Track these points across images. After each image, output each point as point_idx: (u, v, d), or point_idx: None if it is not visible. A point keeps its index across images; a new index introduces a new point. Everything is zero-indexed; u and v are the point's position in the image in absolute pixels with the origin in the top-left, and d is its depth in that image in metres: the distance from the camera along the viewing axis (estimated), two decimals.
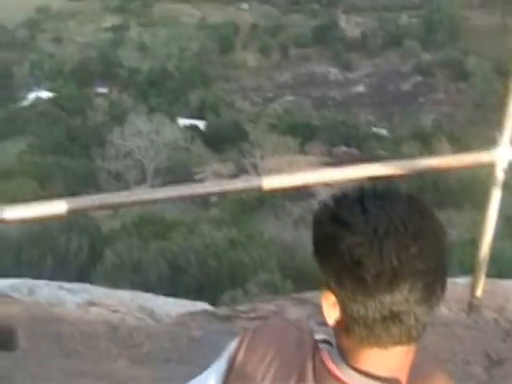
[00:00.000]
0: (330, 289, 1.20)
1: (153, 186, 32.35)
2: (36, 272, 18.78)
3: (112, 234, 21.48)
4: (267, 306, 3.68)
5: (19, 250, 20.29)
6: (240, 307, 3.84)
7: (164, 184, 32.33)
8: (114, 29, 61.47)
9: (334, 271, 1.18)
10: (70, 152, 34.28)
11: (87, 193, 30.42)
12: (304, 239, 19.16)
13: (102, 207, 2.30)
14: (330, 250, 1.18)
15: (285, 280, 17.51)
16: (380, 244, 1.14)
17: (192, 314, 3.70)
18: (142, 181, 33.90)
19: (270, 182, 2.39)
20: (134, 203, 2.36)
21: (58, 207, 2.27)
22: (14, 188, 28.53)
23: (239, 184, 2.28)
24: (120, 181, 33.27)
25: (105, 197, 2.38)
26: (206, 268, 18.70)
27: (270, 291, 16.50)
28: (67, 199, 2.29)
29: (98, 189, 31.61)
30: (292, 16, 66.20)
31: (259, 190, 2.32)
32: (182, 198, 2.39)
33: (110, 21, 63.57)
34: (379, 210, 1.17)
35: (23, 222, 2.30)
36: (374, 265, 1.13)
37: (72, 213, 2.33)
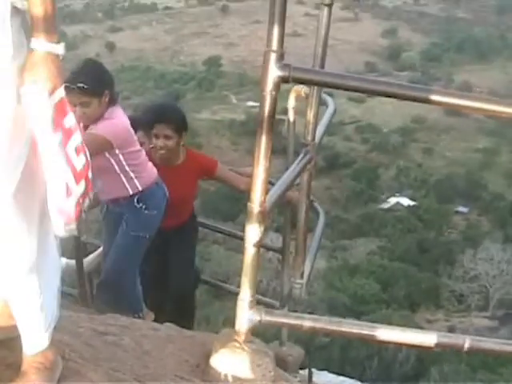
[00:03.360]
0: None
1: (493, 316, 31.21)
2: (360, 370, 19.01)
3: (441, 353, 21.03)
4: None
5: (349, 347, 20.65)
6: None
7: (505, 316, 31.04)
8: (485, 151, 61.09)
9: None
10: (417, 263, 34.34)
11: (426, 307, 30.28)
12: None
13: (470, 350, 2.24)
14: None
15: None
16: None
17: None
18: (482, 308, 32.81)
19: None
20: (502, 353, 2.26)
21: (429, 339, 2.26)
22: (356, 285, 29.20)
23: None
24: (461, 303, 32.55)
25: (476, 340, 2.31)
26: None
27: None
28: (439, 333, 2.28)
29: (438, 306, 31.23)
30: None
31: None
32: None
33: (482, 142, 63.35)
34: None
35: (394, 343, 2.31)
36: None
37: (440, 347, 2.30)
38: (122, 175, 4.03)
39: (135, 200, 4.10)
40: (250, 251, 1.99)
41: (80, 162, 2.24)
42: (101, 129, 3.88)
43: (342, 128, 61.16)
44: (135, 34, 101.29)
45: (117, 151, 3.96)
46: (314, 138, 2.75)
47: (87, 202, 2.30)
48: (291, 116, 2.89)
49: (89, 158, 2.27)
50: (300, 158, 2.55)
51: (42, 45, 2.08)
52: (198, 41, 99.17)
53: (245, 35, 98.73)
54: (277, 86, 1.92)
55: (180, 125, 4.37)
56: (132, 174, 4.07)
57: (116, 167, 4.01)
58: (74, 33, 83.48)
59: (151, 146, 4.40)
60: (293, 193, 3.76)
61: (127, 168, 4.04)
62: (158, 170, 4.26)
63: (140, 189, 4.10)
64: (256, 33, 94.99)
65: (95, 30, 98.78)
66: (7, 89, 2.12)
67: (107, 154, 3.94)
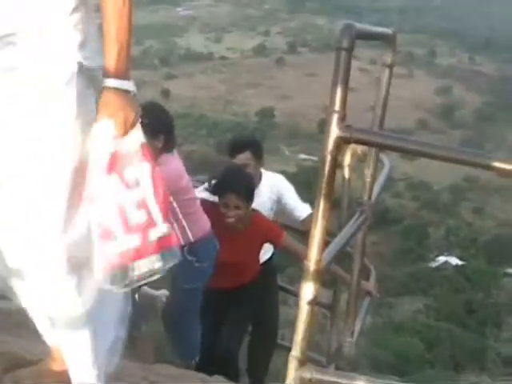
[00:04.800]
0: None
1: None
2: None
3: None
4: None
5: None
6: None
7: None
8: None
9: None
10: (463, 323, 33.80)
11: (471, 368, 29.68)
12: None
13: None
14: None
15: None
16: None
17: None
18: None
19: None
20: None
21: None
22: (400, 343, 28.79)
23: None
24: (507, 366, 31.86)
25: None
26: None
27: None
28: None
29: (484, 368, 30.64)
30: None
31: None
32: None
33: None
34: None
35: None
36: None
37: None
38: (174, 223, 3.97)
39: (186, 251, 4.02)
40: (304, 309, 1.99)
41: (137, 217, 2.19)
42: None
43: (392, 184, 60.92)
44: (190, 82, 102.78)
45: (170, 198, 3.91)
46: (370, 198, 2.76)
47: (147, 263, 2.20)
48: (346, 173, 2.91)
49: (153, 232, 2.20)
50: (356, 217, 2.56)
51: (112, 82, 2.13)
52: (252, 91, 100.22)
53: (299, 87, 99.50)
54: (338, 147, 1.95)
55: (250, 194, 4.28)
56: (185, 223, 4.00)
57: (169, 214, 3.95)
58: None
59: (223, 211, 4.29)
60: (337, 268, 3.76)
61: (180, 216, 3.98)
62: (222, 232, 4.20)
63: (192, 240, 4.04)
64: (310, 86, 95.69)
65: (151, 76, 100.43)
66: (68, 151, 2.16)
67: None
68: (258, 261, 4.66)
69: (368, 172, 2.77)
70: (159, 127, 3.85)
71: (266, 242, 4.51)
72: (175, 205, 3.92)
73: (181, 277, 4.06)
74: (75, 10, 2.11)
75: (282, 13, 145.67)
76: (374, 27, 2.40)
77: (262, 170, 4.82)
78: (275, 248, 4.73)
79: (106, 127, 2.13)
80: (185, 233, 4.02)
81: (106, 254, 2.15)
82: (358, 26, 2.00)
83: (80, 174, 2.18)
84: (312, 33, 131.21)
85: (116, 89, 2.15)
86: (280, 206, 4.88)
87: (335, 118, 1.93)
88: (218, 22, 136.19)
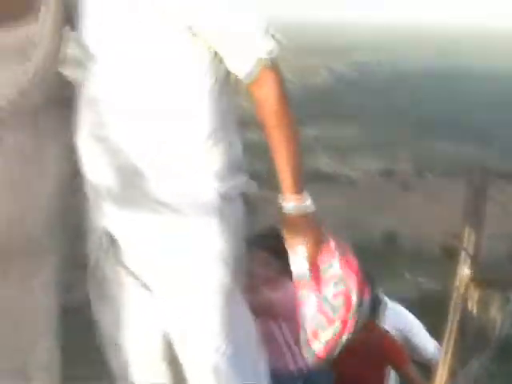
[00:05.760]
0: None
1: None
2: None
3: None
4: None
5: None
6: None
7: None
8: None
9: None
10: None
11: None
12: None
13: None
14: None
15: None
16: None
17: None
18: None
19: None
20: None
21: None
22: None
23: None
24: None
25: None
26: None
27: None
28: None
29: None
30: None
31: None
32: None
33: None
34: None
35: None
36: None
37: None
38: (284, 348, 3.49)
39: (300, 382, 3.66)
40: None
41: (336, 304, 2.32)
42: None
43: None
44: (314, 203, 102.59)
45: (280, 319, 3.44)
46: (496, 334, 2.75)
47: (344, 338, 2.37)
48: (474, 308, 2.92)
49: (352, 299, 2.31)
50: (481, 352, 2.56)
51: (292, 207, 2.17)
52: (377, 214, 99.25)
53: (423, 212, 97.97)
54: (467, 286, 1.98)
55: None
56: (297, 351, 3.41)
57: (278, 337, 3.49)
58: None
59: None
60: None
61: (290, 341, 3.49)
62: None
63: (305, 369, 3.49)
64: (434, 211, 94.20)
65: (275, 196, 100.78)
66: (221, 269, 2.23)
67: (270, 320, 3.42)
68: (382, 381, 4.36)
69: (494, 307, 2.77)
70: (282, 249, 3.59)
71: (389, 363, 4.23)
72: (283, 325, 3.58)
73: None
74: (211, 135, 2.14)
75: (408, 136, 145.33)
76: (507, 168, 2.44)
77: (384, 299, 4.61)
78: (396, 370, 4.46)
79: (298, 250, 2.21)
80: (296, 361, 3.48)
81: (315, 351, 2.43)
82: (493, 166, 2.06)
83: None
84: (439, 158, 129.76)
85: (298, 212, 2.17)
86: (402, 340, 4.59)
87: (466, 257, 1.97)
88: (342, 142, 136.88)
